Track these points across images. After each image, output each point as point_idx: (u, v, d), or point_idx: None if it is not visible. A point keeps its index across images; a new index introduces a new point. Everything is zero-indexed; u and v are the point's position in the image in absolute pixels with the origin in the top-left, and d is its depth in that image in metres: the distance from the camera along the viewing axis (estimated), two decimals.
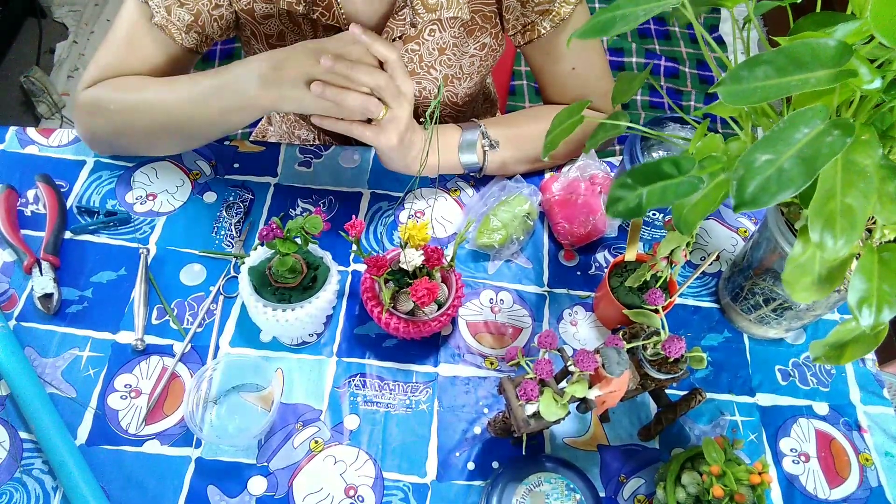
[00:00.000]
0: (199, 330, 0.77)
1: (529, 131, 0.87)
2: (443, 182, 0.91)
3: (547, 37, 0.83)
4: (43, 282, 0.77)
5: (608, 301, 0.76)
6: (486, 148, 0.85)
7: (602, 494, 0.69)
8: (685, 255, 0.70)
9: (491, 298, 0.81)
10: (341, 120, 0.72)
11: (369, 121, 0.73)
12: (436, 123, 0.78)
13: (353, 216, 0.83)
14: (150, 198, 0.86)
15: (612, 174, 0.89)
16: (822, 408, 0.77)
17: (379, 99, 0.71)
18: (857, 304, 0.47)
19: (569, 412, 0.62)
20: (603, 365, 0.60)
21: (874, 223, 0.58)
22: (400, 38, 0.82)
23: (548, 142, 0.66)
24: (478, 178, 0.91)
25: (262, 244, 0.72)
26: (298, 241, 0.68)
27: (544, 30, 0.82)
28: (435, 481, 0.70)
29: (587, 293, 0.83)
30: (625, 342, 0.63)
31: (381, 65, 0.71)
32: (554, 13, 0.81)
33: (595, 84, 0.90)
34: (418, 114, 0.96)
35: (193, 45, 0.81)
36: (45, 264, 0.78)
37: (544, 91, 0.94)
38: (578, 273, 0.84)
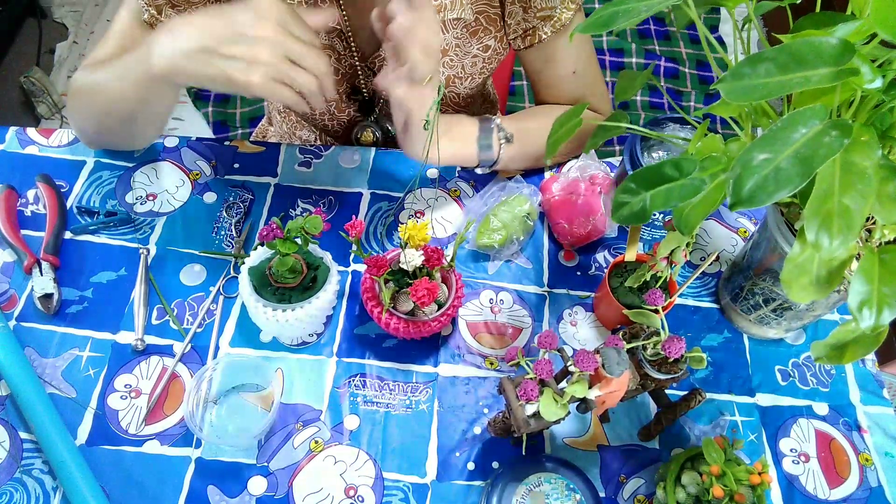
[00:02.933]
0: (199, 330, 0.77)
1: (534, 127, 0.87)
2: (443, 182, 0.91)
3: (547, 42, 0.84)
4: (43, 282, 0.77)
5: (608, 301, 0.76)
6: (503, 142, 0.84)
7: (602, 494, 0.69)
8: (685, 256, 0.70)
9: (491, 298, 0.81)
10: (393, 78, 0.69)
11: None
12: (437, 121, 0.78)
13: (353, 216, 0.84)
14: (150, 198, 0.86)
15: (613, 174, 0.89)
16: (821, 408, 0.77)
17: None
18: (857, 305, 0.47)
19: (569, 412, 0.62)
20: (603, 365, 0.60)
21: (874, 224, 0.58)
22: None
23: (549, 144, 0.66)
24: (478, 178, 0.91)
25: (262, 244, 0.72)
26: (298, 241, 0.68)
27: (545, 35, 0.83)
28: (435, 481, 0.70)
29: (587, 293, 0.83)
30: (625, 342, 0.63)
31: None
32: (555, 19, 0.82)
33: (593, 87, 0.91)
34: None
35: None
36: (45, 264, 0.78)
37: (540, 95, 0.94)
38: (578, 273, 0.84)
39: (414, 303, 0.70)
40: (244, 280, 0.71)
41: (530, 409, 0.60)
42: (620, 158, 0.89)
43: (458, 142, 0.82)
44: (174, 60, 0.65)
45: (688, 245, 0.70)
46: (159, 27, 0.69)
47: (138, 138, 0.87)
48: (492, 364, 0.77)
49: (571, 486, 0.65)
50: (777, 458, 0.73)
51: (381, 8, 0.69)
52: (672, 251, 0.70)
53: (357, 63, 0.88)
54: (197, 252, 0.82)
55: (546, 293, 0.83)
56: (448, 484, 0.69)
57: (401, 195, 0.89)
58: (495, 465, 0.71)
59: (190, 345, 0.76)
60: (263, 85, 0.63)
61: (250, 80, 0.63)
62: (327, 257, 0.74)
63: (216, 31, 0.63)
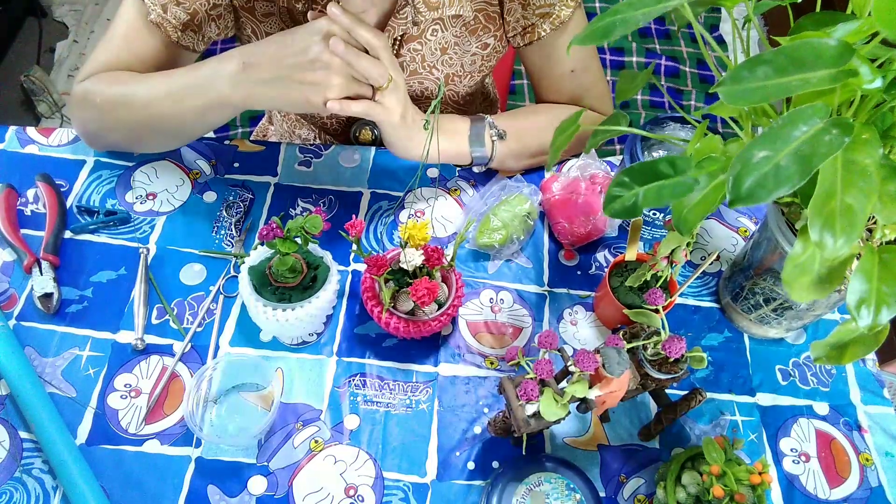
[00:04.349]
0: (199, 329, 0.77)
1: (531, 124, 0.87)
2: (443, 181, 0.91)
3: (546, 39, 0.84)
4: (43, 281, 0.77)
5: (608, 301, 0.76)
6: (495, 138, 0.85)
7: (602, 494, 0.69)
8: (685, 255, 0.70)
9: (491, 298, 0.81)
10: (351, 101, 0.71)
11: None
12: (437, 120, 0.78)
13: (353, 216, 0.84)
14: (150, 197, 0.86)
15: (613, 174, 0.88)
16: (822, 408, 0.77)
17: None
18: (855, 304, 0.47)
19: (569, 412, 0.62)
20: (603, 365, 0.60)
21: (875, 223, 0.58)
22: (402, 37, 0.82)
23: (552, 152, 0.67)
24: (478, 178, 0.91)
25: (262, 244, 0.72)
26: (298, 240, 0.68)
27: (544, 32, 0.83)
28: (435, 481, 0.70)
29: (587, 293, 0.83)
30: (625, 342, 0.63)
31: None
32: (554, 16, 0.82)
33: (594, 86, 0.91)
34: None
35: (190, 44, 0.81)
36: (44, 264, 0.78)
37: (540, 92, 0.94)
38: (578, 273, 0.84)
39: (414, 302, 0.70)
40: (244, 279, 0.71)
41: (530, 409, 0.60)
42: (621, 158, 0.89)
43: (448, 138, 0.83)
44: (253, 90, 0.71)
45: (688, 245, 0.70)
46: (225, 56, 0.72)
47: (173, 146, 0.88)
48: (492, 364, 0.77)
49: (571, 485, 0.65)
50: (777, 457, 0.73)
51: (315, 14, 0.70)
52: (672, 251, 0.70)
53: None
54: (197, 251, 0.82)
55: (546, 293, 0.83)
56: (448, 484, 0.69)
57: (401, 195, 0.89)
58: (495, 464, 0.71)
59: (190, 344, 0.76)
60: (335, 104, 0.69)
61: (326, 101, 0.69)
62: (327, 257, 0.74)
63: (290, 61, 0.68)
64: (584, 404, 0.61)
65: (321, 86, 0.68)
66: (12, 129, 0.91)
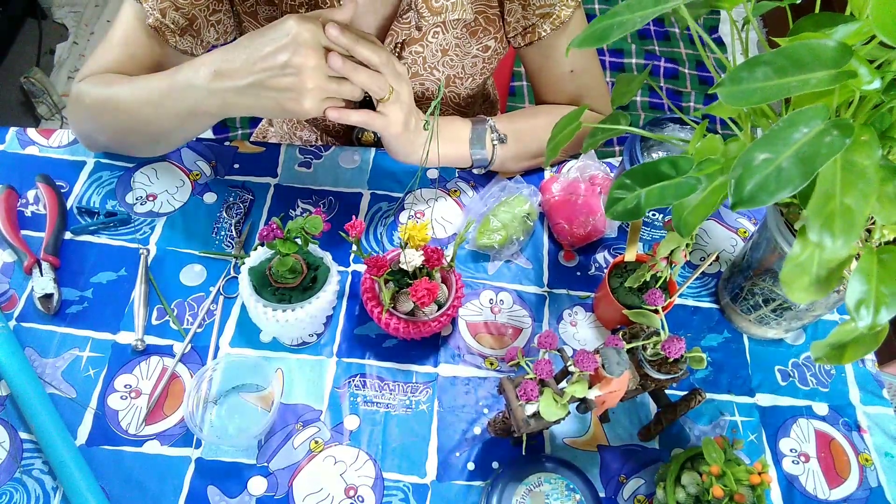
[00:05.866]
0: (199, 330, 0.77)
1: (530, 126, 0.88)
2: (443, 182, 0.91)
3: (547, 39, 0.84)
4: (43, 282, 0.77)
5: (608, 301, 0.76)
6: (496, 142, 0.85)
7: (602, 494, 0.69)
8: (685, 256, 0.70)
9: (491, 299, 0.82)
10: (351, 109, 0.70)
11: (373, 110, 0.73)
12: (437, 122, 0.78)
13: (353, 216, 0.84)
14: (150, 198, 0.86)
15: (612, 175, 0.89)
16: (821, 408, 0.77)
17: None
18: (854, 305, 0.47)
19: (569, 412, 0.62)
20: (603, 365, 0.60)
21: (874, 224, 0.58)
22: (403, 42, 0.82)
23: (549, 148, 0.67)
24: (477, 179, 0.91)
25: (262, 244, 0.72)
26: (298, 241, 0.68)
27: (545, 32, 0.83)
28: (435, 481, 0.70)
29: (587, 293, 0.83)
30: (625, 342, 0.64)
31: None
32: (554, 16, 0.82)
33: (593, 86, 0.91)
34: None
35: (188, 48, 0.81)
36: (45, 265, 0.78)
37: (540, 92, 0.94)
38: (578, 273, 0.84)
39: (414, 303, 0.70)
40: (244, 280, 0.71)
41: (530, 409, 0.60)
42: (620, 159, 0.89)
43: (449, 142, 0.83)
44: (226, 98, 0.68)
45: (687, 245, 0.70)
46: (198, 62, 0.70)
47: (160, 151, 0.88)
48: (492, 364, 0.77)
49: (571, 486, 0.65)
50: (777, 458, 0.73)
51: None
52: (672, 251, 0.70)
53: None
54: (197, 252, 0.82)
55: (546, 293, 0.83)
56: (448, 484, 0.70)
57: (401, 195, 0.89)
58: (495, 465, 0.71)
59: (190, 345, 0.76)
60: (315, 108, 0.67)
61: (303, 107, 0.66)
62: (327, 257, 0.74)
63: (260, 66, 0.65)
64: (583, 404, 0.61)
65: (295, 91, 0.65)
66: (13, 130, 0.91)
